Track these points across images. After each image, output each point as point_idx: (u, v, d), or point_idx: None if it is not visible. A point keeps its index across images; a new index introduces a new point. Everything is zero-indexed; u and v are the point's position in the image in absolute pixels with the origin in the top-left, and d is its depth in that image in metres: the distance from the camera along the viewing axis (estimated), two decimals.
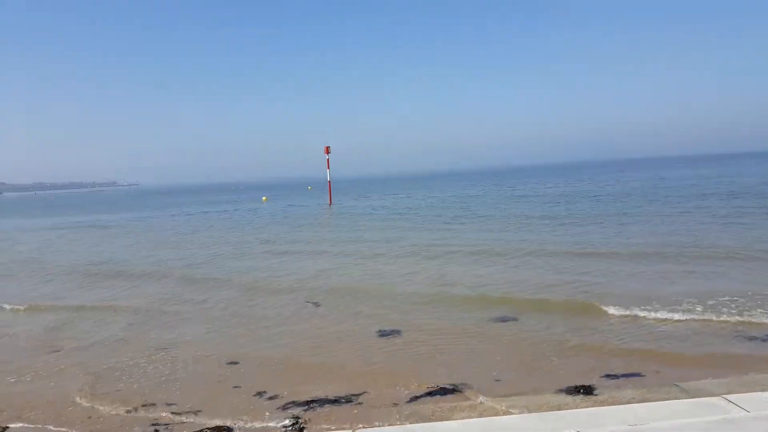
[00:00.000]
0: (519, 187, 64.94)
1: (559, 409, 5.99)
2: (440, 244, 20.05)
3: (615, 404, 5.98)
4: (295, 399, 7.00)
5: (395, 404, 6.66)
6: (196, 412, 6.75)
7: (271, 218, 39.39)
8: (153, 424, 6.48)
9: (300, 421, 6.31)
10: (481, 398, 6.69)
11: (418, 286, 13.43)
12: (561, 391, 6.75)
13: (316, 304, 12.23)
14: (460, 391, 6.97)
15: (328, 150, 47.32)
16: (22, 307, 13.51)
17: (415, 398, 6.81)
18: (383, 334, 9.77)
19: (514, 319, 10.20)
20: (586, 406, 6.14)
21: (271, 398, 7.10)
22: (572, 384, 6.92)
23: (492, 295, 12.13)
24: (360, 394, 7.05)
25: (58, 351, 9.79)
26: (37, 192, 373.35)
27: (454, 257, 17.28)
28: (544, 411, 5.96)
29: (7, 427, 6.52)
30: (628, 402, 6.07)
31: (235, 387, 7.57)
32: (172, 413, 6.76)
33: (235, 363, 8.61)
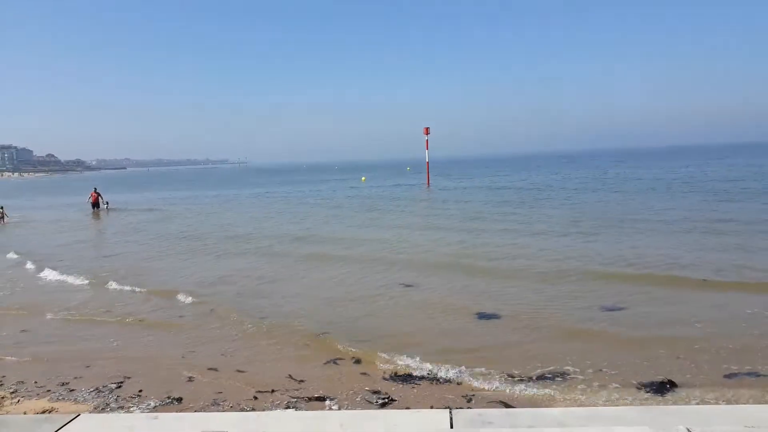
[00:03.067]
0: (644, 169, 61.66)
1: (666, 404, 5.87)
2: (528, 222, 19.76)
3: (727, 403, 5.76)
4: (395, 372, 7.30)
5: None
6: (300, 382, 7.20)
7: (369, 198, 40.20)
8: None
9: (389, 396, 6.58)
10: (582, 387, 6.66)
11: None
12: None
13: (408, 286, 12.49)
14: (561, 379, 6.97)
15: (427, 131, 47.40)
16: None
17: (514, 383, 6.88)
18: (483, 316, 9.86)
19: (621, 309, 9.93)
20: (696, 403, 5.96)
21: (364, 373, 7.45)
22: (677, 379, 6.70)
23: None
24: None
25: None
26: (149, 168, 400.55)
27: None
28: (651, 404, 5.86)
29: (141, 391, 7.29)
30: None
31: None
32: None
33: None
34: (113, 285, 13.25)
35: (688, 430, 4.14)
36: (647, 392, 6.41)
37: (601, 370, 7.13)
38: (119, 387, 7.03)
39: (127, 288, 12.93)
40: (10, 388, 7.09)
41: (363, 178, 72.13)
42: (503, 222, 22.55)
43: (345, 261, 15.48)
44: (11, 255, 18.60)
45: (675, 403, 6.04)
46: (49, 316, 10.81)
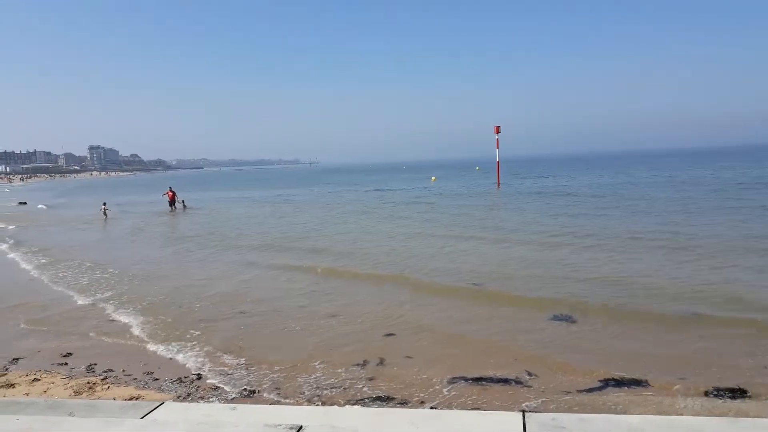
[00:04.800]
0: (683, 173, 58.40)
1: (755, 416, 5.52)
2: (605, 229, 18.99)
3: None
4: (464, 374, 7.24)
5: (567, 392, 6.60)
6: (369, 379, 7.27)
7: (439, 198, 40.10)
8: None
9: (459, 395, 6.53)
10: (662, 394, 6.38)
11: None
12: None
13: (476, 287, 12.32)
14: (640, 386, 6.70)
15: (498, 130, 46.67)
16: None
17: (590, 389, 6.68)
18: (558, 318, 9.63)
19: (699, 315, 9.42)
20: None
21: (437, 372, 7.41)
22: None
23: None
24: (531, 377, 7.09)
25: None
26: (221, 168, 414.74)
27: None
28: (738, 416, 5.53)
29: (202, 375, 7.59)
30: None
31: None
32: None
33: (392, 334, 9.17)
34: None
35: None
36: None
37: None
38: (199, 378, 7.37)
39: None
40: (101, 375, 7.56)
41: (433, 179, 71.93)
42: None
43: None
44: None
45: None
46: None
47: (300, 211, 33.63)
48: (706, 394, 6.37)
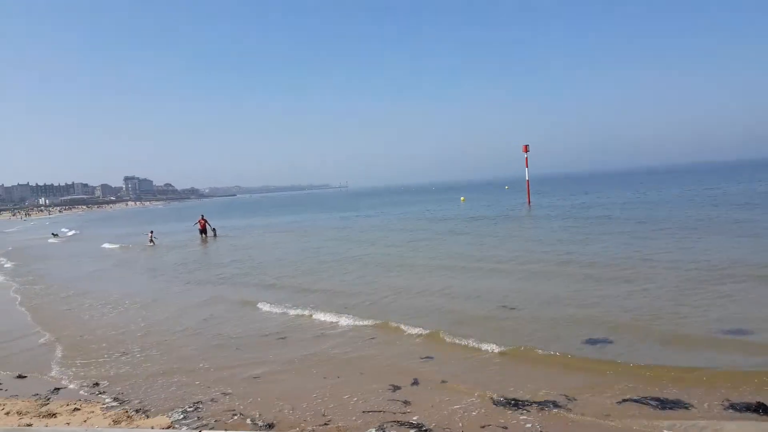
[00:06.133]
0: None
1: None
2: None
3: None
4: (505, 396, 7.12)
5: (606, 415, 6.45)
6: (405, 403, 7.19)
7: (473, 220, 39.88)
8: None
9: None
10: (699, 418, 6.18)
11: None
12: None
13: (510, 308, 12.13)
14: (683, 407, 6.50)
15: (526, 148, 46.46)
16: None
17: (624, 406, 6.52)
18: (592, 341, 9.42)
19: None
20: None
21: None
22: None
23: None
24: (570, 400, 6.94)
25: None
26: (252, 195, 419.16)
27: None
28: None
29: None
30: None
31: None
32: None
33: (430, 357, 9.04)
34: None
35: None
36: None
37: None
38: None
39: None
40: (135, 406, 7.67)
41: (462, 199, 71.74)
42: None
43: None
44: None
45: None
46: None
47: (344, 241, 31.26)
48: None
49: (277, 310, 13.32)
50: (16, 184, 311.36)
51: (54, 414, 7.29)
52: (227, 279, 18.90)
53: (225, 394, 7.85)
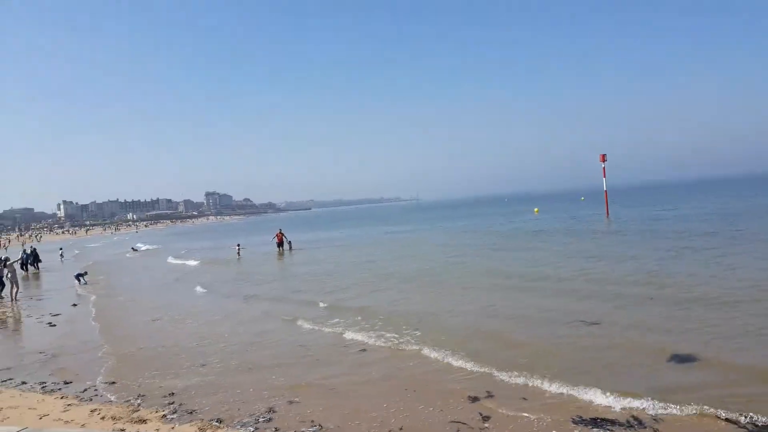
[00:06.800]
0: None
1: None
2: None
3: None
4: (578, 415, 6.91)
5: None
6: None
7: (547, 234, 38.95)
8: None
9: None
10: None
11: None
12: None
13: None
14: None
15: (603, 158, 45.00)
16: None
17: None
18: (678, 359, 8.97)
19: None
20: None
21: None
22: None
23: None
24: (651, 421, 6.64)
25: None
26: (326, 208, 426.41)
27: None
28: None
29: None
30: None
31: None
32: None
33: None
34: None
35: None
36: None
37: None
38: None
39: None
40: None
41: (536, 210, 70.21)
42: None
43: None
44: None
45: None
46: None
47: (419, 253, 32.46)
48: None
49: (352, 334, 12.49)
50: (107, 200, 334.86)
51: (144, 420, 7.73)
52: (302, 293, 19.35)
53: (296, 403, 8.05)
